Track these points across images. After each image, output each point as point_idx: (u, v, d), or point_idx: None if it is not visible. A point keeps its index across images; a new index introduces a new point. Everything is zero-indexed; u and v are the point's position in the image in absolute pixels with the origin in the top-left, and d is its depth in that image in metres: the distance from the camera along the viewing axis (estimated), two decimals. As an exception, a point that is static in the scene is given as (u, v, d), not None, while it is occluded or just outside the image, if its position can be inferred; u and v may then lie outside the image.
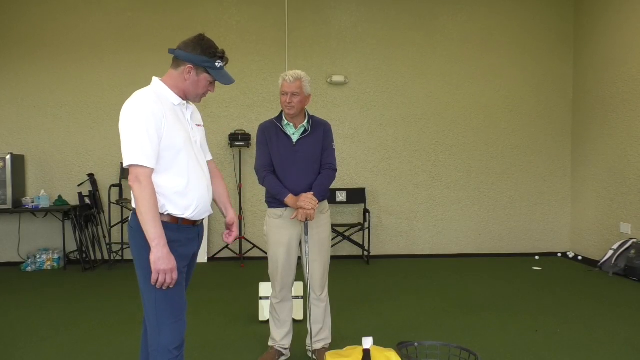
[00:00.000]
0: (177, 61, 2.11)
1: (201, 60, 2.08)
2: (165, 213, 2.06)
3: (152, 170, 2.00)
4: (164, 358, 2.06)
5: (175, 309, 2.09)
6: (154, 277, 1.97)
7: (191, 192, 2.10)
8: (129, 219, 2.16)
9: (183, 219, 2.10)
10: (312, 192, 2.93)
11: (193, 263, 2.31)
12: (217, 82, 2.20)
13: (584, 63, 6.45)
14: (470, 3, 6.56)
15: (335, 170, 3.10)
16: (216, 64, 2.12)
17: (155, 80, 2.15)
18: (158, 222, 1.97)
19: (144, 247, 2.03)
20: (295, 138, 3.02)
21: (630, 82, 5.61)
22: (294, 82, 2.92)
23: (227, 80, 2.16)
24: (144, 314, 2.15)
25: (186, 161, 2.08)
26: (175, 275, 2.01)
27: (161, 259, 1.96)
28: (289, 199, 2.94)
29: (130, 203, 5.85)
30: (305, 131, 3.03)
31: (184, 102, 2.16)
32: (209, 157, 2.37)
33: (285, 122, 3.03)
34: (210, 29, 6.27)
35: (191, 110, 2.21)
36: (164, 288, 2.01)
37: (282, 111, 3.05)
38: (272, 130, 3.04)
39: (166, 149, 2.03)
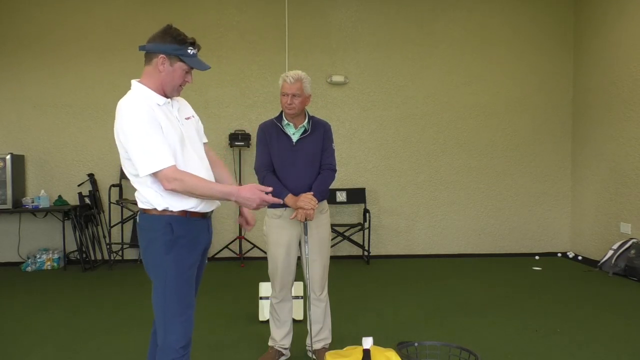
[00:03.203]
0: (149, 55, 2.08)
1: (172, 48, 2.05)
2: (175, 210, 2.06)
3: (174, 165, 2.00)
4: (169, 357, 2.06)
5: (183, 308, 2.09)
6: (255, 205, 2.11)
7: None
8: (137, 219, 2.16)
9: (191, 212, 2.10)
10: (311, 192, 2.93)
11: (203, 263, 2.29)
12: (194, 71, 2.16)
13: (584, 63, 6.45)
14: (470, 3, 6.56)
15: (335, 170, 3.10)
16: (188, 50, 2.08)
17: (135, 83, 2.11)
18: (218, 186, 2.09)
19: (154, 245, 2.04)
20: (295, 138, 3.02)
21: (630, 82, 5.60)
22: (295, 84, 2.91)
23: (202, 66, 2.12)
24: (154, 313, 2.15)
25: (182, 159, 2.07)
26: (266, 197, 2.11)
27: (248, 200, 2.08)
28: (289, 198, 2.94)
29: (132, 203, 5.86)
30: (305, 131, 3.03)
31: (168, 100, 2.13)
32: (205, 140, 2.34)
33: (286, 122, 3.03)
34: (210, 29, 6.29)
35: (177, 107, 2.19)
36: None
37: (282, 111, 3.05)
38: (272, 130, 3.04)
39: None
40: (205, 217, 2.18)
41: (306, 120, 3.05)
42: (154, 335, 2.29)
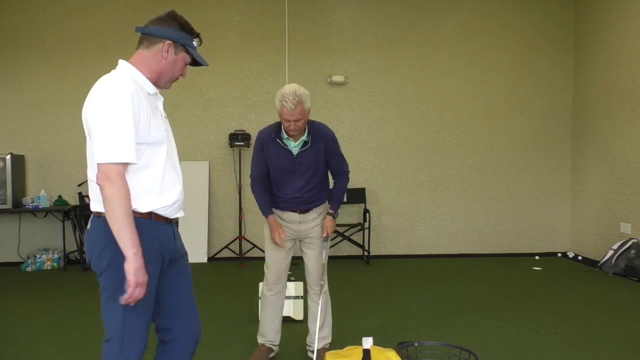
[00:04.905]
0: (151, 39, 1.90)
1: (180, 36, 1.90)
2: (143, 211, 1.85)
3: (126, 167, 1.75)
4: None
5: (145, 330, 1.88)
6: (129, 290, 1.71)
7: (168, 190, 1.91)
8: (89, 225, 1.89)
9: (157, 215, 1.89)
10: (332, 212, 3.13)
11: (185, 271, 2.07)
12: (192, 69, 2.03)
13: (584, 63, 6.45)
14: (471, 3, 6.56)
15: (348, 172, 3.15)
16: (194, 42, 1.97)
17: (125, 64, 1.90)
18: (135, 228, 1.73)
19: (109, 253, 1.78)
20: (295, 151, 2.95)
21: (630, 82, 5.61)
22: (296, 109, 2.73)
23: (204, 61, 2.00)
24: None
25: (164, 157, 1.89)
26: (147, 290, 1.78)
27: (141, 270, 1.72)
28: (271, 220, 3.00)
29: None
30: (305, 143, 2.95)
31: (157, 90, 1.96)
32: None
33: (285, 136, 2.94)
34: (210, 29, 6.28)
35: (162, 101, 2.00)
36: (132, 304, 1.75)
37: (281, 123, 2.94)
38: (271, 143, 2.96)
39: (147, 144, 1.82)
40: (169, 222, 1.97)
41: (306, 133, 2.96)
42: (160, 346, 2.06)
